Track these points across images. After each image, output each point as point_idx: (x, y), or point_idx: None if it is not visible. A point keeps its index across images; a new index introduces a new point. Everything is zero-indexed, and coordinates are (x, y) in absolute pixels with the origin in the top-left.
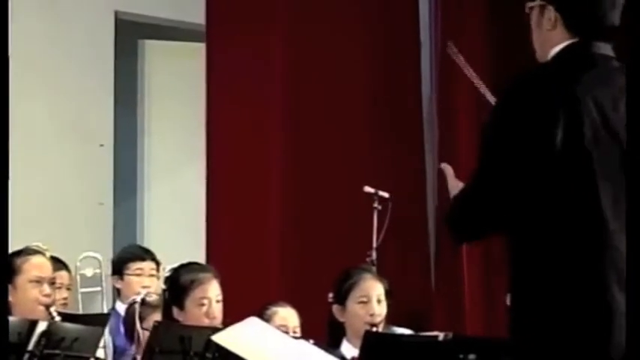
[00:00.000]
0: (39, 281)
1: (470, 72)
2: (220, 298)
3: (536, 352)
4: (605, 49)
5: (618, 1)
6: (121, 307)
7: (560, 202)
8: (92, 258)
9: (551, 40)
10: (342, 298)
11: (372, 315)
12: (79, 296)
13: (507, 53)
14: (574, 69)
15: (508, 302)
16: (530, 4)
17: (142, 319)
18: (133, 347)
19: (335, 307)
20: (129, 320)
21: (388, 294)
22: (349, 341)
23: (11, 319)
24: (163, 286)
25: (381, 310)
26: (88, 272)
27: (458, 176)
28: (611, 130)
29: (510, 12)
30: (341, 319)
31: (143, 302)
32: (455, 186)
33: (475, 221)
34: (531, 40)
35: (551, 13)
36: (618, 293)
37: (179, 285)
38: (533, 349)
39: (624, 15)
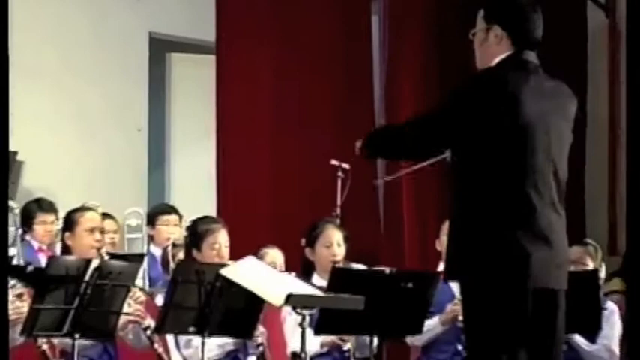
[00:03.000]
0: (92, 230)
1: None
2: (227, 243)
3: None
4: (532, 56)
5: (540, 21)
6: (154, 249)
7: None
8: (136, 212)
9: (496, 53)
10: (312, 243)
11: (334, 255)
12: (126, 240)
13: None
14: (511, 72)
15: (437, 246)
16: (474, 30)
17: (173, 257)
18: (168, 276)
19: (307, 250)
20: (165, 258)
21: (347, 239)
22: (318, 274)
23: (72, 257)
24: (185, 233)
25: (340, 251)
26: (133, 223)
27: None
28: (535, 113)
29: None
30: (311, 259)
31: (174, 245)
32: None
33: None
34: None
35: (498, 31)
36: (543, 215)
37: (197, 233)
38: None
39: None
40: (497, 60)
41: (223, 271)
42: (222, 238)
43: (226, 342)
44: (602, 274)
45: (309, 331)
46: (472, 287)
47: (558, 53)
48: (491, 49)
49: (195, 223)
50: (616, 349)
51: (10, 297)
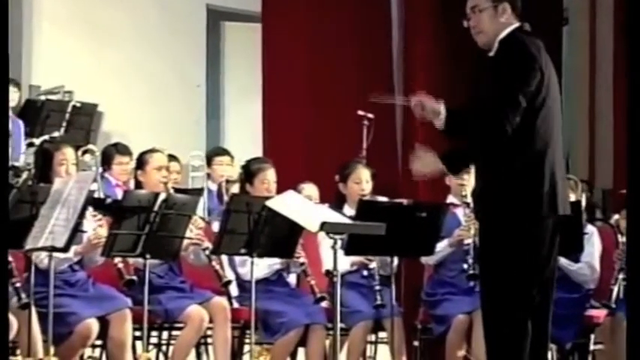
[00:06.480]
0: (159, 169)
1: (398, 100)
2: (275, 179)
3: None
4: (528, 27)
5: None
6: (210, 185)
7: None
8: (199, 155)
9: (507, 24)
10: (344, 179)
11: (362, 190)
12: (189, 179)
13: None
14: (529, 39)
15: (446, 181)
16: (483, 5)
17: (226, 191)
18: (223, 207)
19: (340, 185)
20: (219, 192)
21: (373, 176)
22: (349, 205)
23: (143, 191)
24: (240, 171)
25: (368, 187)
26: (196, 163)
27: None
28: (554, 76)
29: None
30: (343, 192)
31: (227, 181)
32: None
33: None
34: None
35: (505, 5)
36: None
37: (250, 171)
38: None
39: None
40: (508, 30)
41: (268, 203)
42: (270, 176)
43: (275, 262)
44: (583, 203)
45: (340, 253)
46: (503, 216)
47: (537, 15)
48: (503, 20)
49: (249, 162)
50: (597, 265)
51: (93, 224)
